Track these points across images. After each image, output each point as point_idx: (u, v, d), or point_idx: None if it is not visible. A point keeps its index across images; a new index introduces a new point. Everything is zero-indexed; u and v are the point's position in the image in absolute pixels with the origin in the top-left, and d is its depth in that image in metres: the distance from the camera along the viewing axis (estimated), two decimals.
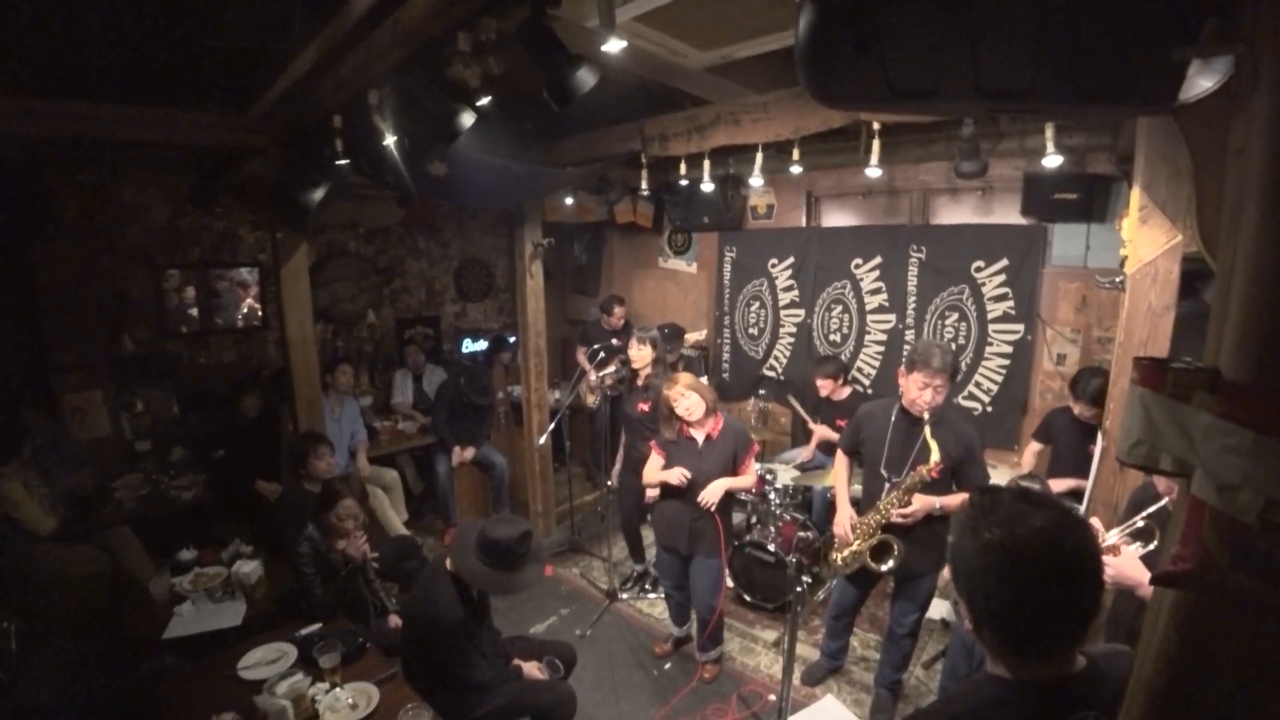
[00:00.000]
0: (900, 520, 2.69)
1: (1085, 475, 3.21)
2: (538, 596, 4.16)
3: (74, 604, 3.33)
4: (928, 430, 2.61)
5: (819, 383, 4.29)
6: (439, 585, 2.47)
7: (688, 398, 3.07)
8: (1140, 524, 2.06)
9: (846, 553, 2.86)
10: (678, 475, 3.07)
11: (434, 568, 2.62)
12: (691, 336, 5.70)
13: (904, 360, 2.75)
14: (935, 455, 2.57)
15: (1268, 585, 0.74)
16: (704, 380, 3.46)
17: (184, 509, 4.12)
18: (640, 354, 3.78)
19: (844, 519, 2.91)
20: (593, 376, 4.68)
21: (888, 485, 2.79)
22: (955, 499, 2.72)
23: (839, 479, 3.08)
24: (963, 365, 4.21)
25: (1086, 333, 3.86)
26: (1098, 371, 3.31)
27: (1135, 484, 2.27)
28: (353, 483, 3.00)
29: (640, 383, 3.84)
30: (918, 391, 2.63)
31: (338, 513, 2.85)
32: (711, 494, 3.03)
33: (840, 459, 3.09)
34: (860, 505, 2.97)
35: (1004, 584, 1.01)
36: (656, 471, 3.19)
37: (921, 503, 2.67)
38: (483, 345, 6.06)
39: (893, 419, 2.80)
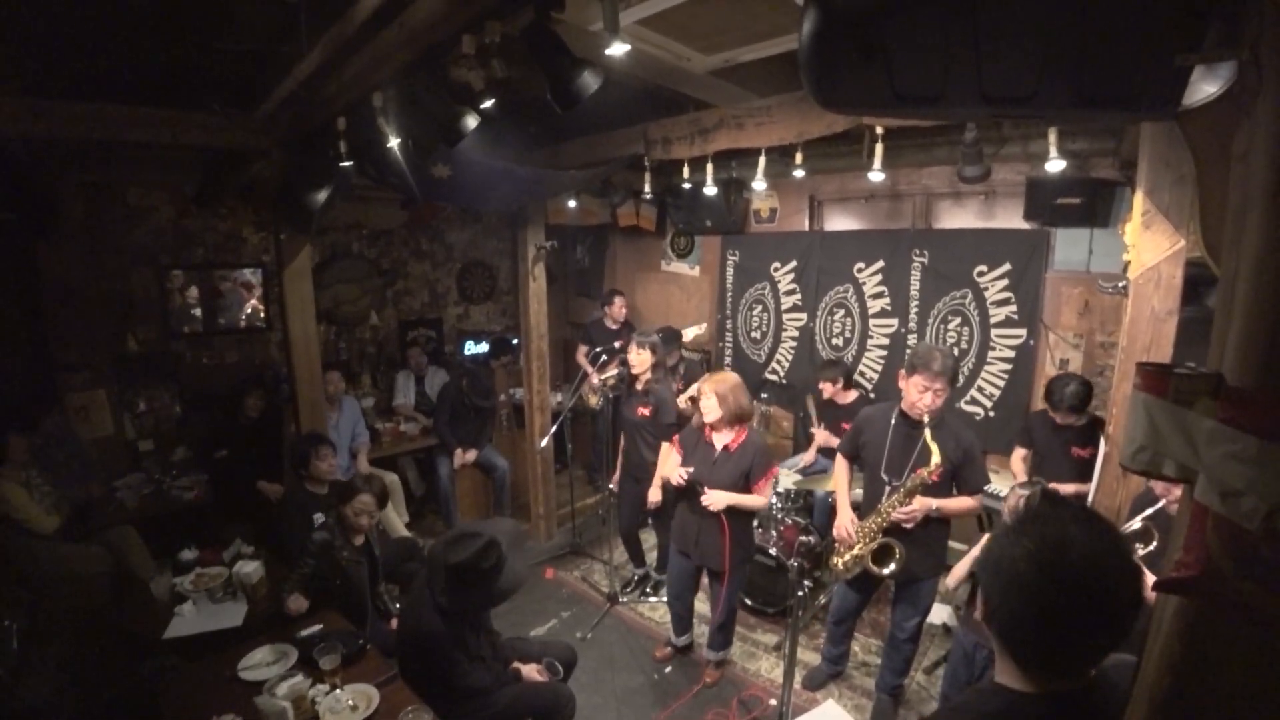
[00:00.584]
0: (900, 519, 2.69)
1: (1068, 478, 3.24)
2: (538, 599, 4.16)
3: (75, 603, 3.33)
4: (928, 433, 2.61)
5: (821, 386, 4.28)
6: (428, 598, 2.44)
7: (707, 398, 3.02)
8: (1138, 525, 2.06)
9: (848, 556, 2.85)
10: (677, 474, 3.05)
11: (424, 579, 2.59)
12: (691, 332, 5.64)
13: (905, 364, 2.75)
14: (936, 458, 2.57)
15: (1271, 592, 0.74)
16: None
17: (186, 509, 4.13)
18: (640, 358, 3.76)
19: (844, 522, 2.90)
20: (595, 379, 4.68)
21: (888, 489, 2.78)
22: (953, 502, 2.72)
23: (839, 483, 3.07)
24: (965, 370, 4.20)
25: (1089, 338, 3.85)
26: (1070, 378, 3.29)
27: (1138, 489, 2.26)
28: (374, 482, 3.05)
29: (640, 387, 3.83)
30: (918, 395, 2.63)
31: (354, 506, 2.92)
32: (711, 500, 2.96)
33: (840, 463, 3.08)
34: (861, 509, 2.96)
35: (1027, 601, 0.97)
36: (669, 467, 3.16)
37: (919, 504, 2.67)
38: (485, 347, 6.07)
39: (893, 423, 2.80)
